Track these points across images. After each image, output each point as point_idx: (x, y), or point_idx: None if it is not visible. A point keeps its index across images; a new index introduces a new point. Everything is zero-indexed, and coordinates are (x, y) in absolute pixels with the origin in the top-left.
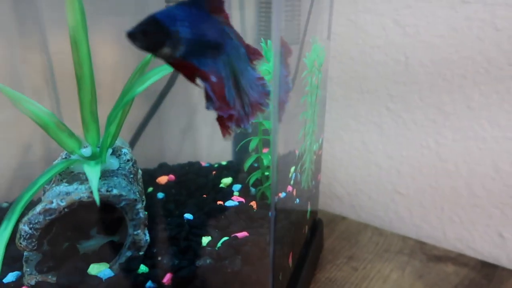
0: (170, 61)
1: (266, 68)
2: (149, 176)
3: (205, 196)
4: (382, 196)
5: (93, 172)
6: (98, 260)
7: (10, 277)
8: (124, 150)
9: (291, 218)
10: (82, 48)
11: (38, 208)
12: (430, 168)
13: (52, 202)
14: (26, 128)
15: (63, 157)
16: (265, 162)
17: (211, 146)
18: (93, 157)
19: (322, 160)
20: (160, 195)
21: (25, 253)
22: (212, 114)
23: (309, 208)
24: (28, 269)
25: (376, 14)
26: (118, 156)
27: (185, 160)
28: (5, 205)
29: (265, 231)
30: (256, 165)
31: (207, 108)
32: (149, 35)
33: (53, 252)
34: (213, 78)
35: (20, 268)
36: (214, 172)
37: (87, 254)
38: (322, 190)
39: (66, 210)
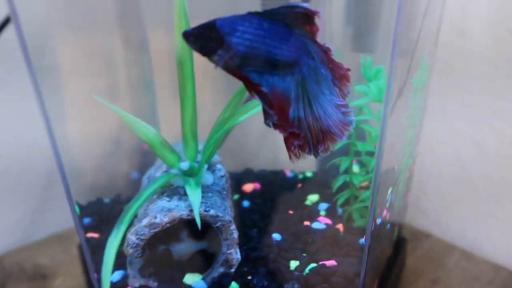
0: (223, 68)
1: (361, 89)
2: (235, 181)
3: (291, 212)
4: (475, 218)
5: (195, 195)
6: (190, 269)
7: (116, 275)
8: (218, 166)
9: (382, 244)
10: (187, 69)
11: (144, 221)
12: None
13: (156, 217)
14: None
15: (164, 170)
16: (356, 182)
17: None
18: (190, 171)
19: None
20: (246, 203)
21: (128, 257)
22: None
23: (397, 227)
24: (132, 272)
25: (488, 23)
26: (213, 172)
27: (267, 164)
28: (107, 200)
29: (353, 260)
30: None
31: (266, 123)
32: (202, 39)
33: (152, 256)
34: (269, 95)
35: (121, 267)
36: (299, 185)
37: (180, 261)
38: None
39: (168, 225)
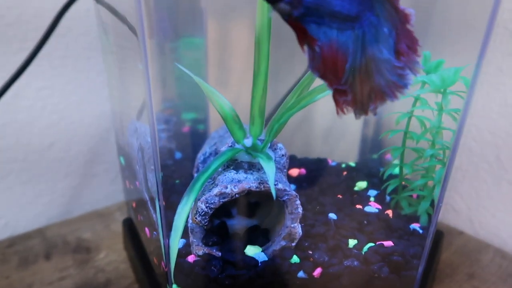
0: (285, 18)
1: (421, 80)
2: None
3: (340, 196)
4: (510, 217)
5: (269, 167)
6: (248, 242)
7: (179, 243)
8: (279, 145)
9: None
10: (263, 48)
11: (215, 190)
12: None
13: (226, 187)
14: None
15: (229, 145)
16: (408, 171)
17: (334, 142)
18: (253, 148)
19: None
20: (292, 186)
21: (190, 225)
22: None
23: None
24: (195, 240)
25: None
26: (274, 150)
27: (308, 154)
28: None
29: (406, 243)
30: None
31: (311, 70)
32: None
33: (211, 228)
34: (318, 49)
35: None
36: (344, 173)
37: (237, 233)
38: None
39: (237, 195)
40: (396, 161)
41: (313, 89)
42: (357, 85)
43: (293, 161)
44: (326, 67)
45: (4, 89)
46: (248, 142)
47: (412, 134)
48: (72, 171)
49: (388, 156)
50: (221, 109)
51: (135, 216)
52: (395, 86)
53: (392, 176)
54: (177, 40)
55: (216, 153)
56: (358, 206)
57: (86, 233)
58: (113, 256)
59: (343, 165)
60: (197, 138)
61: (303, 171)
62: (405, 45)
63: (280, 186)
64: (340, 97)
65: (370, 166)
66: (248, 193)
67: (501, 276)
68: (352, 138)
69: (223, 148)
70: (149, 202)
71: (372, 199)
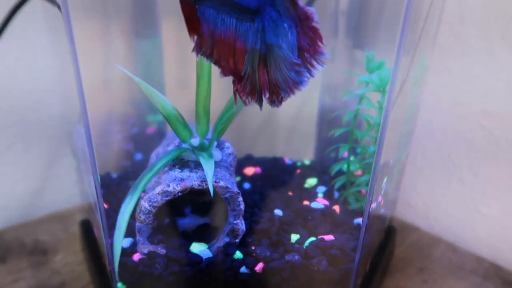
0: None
1: (364, 80)
2: (236, 165)
3: (290, 193)
4: (461, 213)
5: (208, 165)
6: (195, 239)
7: (125, 242)
8: (226, 144)
9: (375, 227)
10: None
11: (158, 189)
12: None
13: (169, 186)
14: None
15: (176, 144)
16: (352, 168)
17: (292, 142)
18: (201, 148)
19: None
20: (247, 185)
21: (137, 224)
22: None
23: (388, 216)
24: (141, 239)
25: (482, 27)
26: (221, 149)
27: (265, 153)
28: (114, 175)
29: (348, 237)
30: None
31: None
32: None
33: (159, 226)
34: (208, 35)
35: (129, 235)
36: (298, 171)
37: (186, 232)
38: None
39: (179, 193)
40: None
41: None
42: (256, 77)
43: (250, 160)
44: (221, 54)
45: None
46: (195, 141)
47: (357, 132)
48: (32, 173)
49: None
50: (163, 109)
51: (91, 218)
52: (291, 82)
53: (342, 173)
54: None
55: None
56: (306, 202)
57: (44, 236)
58: (70, 258)
59: (299, 163)
60: (162, 140)
61: (258, 170)
62: (306, 43)
63: (221, 183)
64: (240, 88)
65: (325, 165)
66: (199, 192)
67: (451, 269)
68: (309, 137)
69: (170, 148)
70: (93, 204)
71: (320, 195)
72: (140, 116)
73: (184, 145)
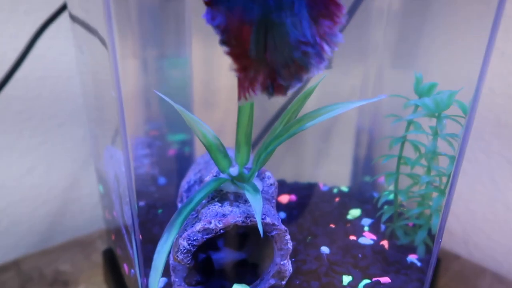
0: None
1: (415, 103)
2: None
3: (333, 226)
4: (505, 239)
5: (256, 202)
6: (235, 279)
7: (160, 283)
8: (268, 174)
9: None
10: None
11: (198, 226)
12: None
13: (210, 222)
14: None
15: (214, 174)
16: (403, 199)
17: (325, 165)
18: (240, 178)
19: None
20: (282, 215)
21: (172, 263)
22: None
23: None
24: (177, 279)
25: None
26: (262, 179)
27: (295, 177)
28: (141, 204)
29: (403, 278)
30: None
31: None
32: None
33: (195, 265)
34: (224, 17)
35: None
36: (337, 199)
37: (223, 271)
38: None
39: (221, 231)
40: (391, 188)
41: (301, 116)
42: (261, 60)
43: (283, 187)
44: (231, 30)
45: None
46: (234, 171)
47: (406, 160)
48: (52, 197)
49: (381, 179)
50: (204, 138)
51: (115, 248)
52: (294, 66)
53: (386, 203)
54: (162, 59)
55: (201, 181)
56: (352, 237)
57: (64, 265)
58: None
59: (335, 190)
60: (183, 161)
61: (293, 197)
62: (319, 15)
63: (268, 220)
64: (243, 75)
65: (363, 191)
66: (240, 227)
67: None
68: (344, 161)
69: (208, 178)
70: (125, 236)
71: (366, 228)
72: (161, 137)
73: (223, 175)
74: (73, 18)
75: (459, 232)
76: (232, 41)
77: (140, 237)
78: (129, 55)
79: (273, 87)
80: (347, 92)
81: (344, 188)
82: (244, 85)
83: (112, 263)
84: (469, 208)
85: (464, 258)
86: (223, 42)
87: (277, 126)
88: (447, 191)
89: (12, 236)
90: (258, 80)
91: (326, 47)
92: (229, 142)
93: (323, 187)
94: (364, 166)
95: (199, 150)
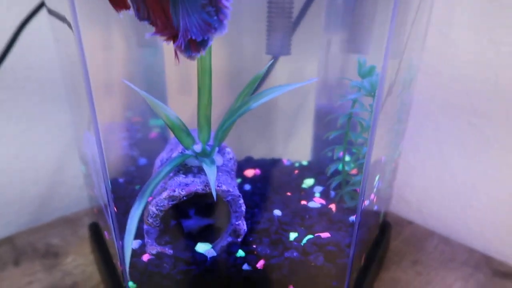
0: None
1: (355, 85)
2: (237, 168)
3: (289, 194)
4: (453, 207)
5: (211, 171)
6: (200, 239)
7: (135, 244)
8: (227, 149)
9: (369, 223)
10: (205, 61)
11: (164, 194)
12: (509, 187)
13: (174, 191)
14: None
15: (180, 151)
16: (347, 169)
17: (290, 143)
18: (203, 154)
19: None
20: (247, 186)
21: (145, 227)
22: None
23: (382, 212)
24: (149, 241)
25: (470, 30)
26: (222, 155)
27: (264, 155)
28: (121, 180)
29: (344, 234)
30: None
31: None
32: None
33: (165, 228)
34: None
35: (138, 237)
36: (296, 171)
37: (191, 233)
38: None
39: (184, 198)
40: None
41: (248, 98)
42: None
43: (250, 162)
44: (154, 12)
45: None
46: (197, 148)
47: (350, 134)
48: (40, 179)
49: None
50: (167, 119)
51: (98, 221)
52: (204, 24)
53: (337, 173)
54: (136, 49)
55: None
56: (303, 202)
57: (54, 239)
58: (80, 260)
59: (297, 164)
60: (165, 144)
61: (258, 171)
62: None
63: (223, 187)
64: (178, 43)
65: (322, 165)
66: (202, 195)
67: (443, 261)
68: (305, 138)
69: (174, 154)
70: (104, 208)
71: (317, 195)
72: (143, 121)
73: (188, 152)
74: (50, 11)
75: (413, 201)
76: (157, 20)
77: (115, 209)
78: (103, 46)
79: (190, 45)
80: (307, 76)
81: (304, 162)
82: (180, 52)
83: (96, 235)
84: (422, 180)
85: (416, 224)
86: (151, 23)
87: (232, 107)
88: (366, 156)
89: (4, 216)
90: (179, 42)
91: (224, 3)
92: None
93: (286, 162)
94: (323, 141)
95: None
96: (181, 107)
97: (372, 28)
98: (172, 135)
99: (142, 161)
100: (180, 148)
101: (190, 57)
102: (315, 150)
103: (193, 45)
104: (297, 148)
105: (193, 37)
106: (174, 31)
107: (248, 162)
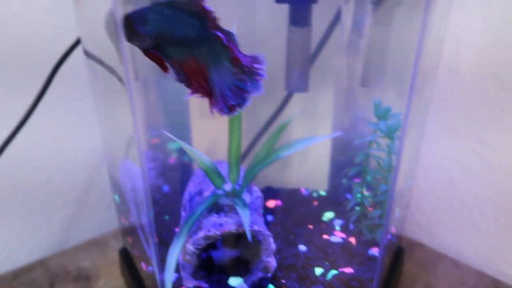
0: (141, 50)
1: (373, 127)
2: None
3: (311, 227)
4: (462, 230)
5: (245, 214)
6: (232, 273)
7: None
8: (254, 188)
9: (387, 254)
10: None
11: (201, 234)
12: None
13: (210, 231)
14: None
15: (212, 191)
16: (366, 203)
17: (307, 171)
18: (233, 193)
19: None
20: (270, 218)
21: (181, 261)
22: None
23: (398, 236)
24: (185, 275)
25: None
26: (250, 193)
27: (283, 181)
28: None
29: (365, 268)
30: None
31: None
32: (124, 29)
33: (199, 263)
34: (178, 65)
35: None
36: (315, 203)
37: (221, 266)
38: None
39: (219, 237)
40: (358, 194)
41: (279, 147)
42: (214, 88)
43: (270, 192)
44: (191, 77)
45: (12, 136)
46: (227, 187)
47: (368, 171)
48: (68, 202)
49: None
50: (202, 164)
51: (131, 249)
52: (236, 89)
53: (356, 205)
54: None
55: (200, 192)
56: (325, 236)
57: (84, 262)
58: (111, 283)
59: (315, 194)
60: (183, 170)
61: (279, 202)
62: (241, 55)
63: (255, 227)
64: (213, 102)
65: (339, 195)
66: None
67: (454, 284)
68: (322, 167)
69: (206, 193)
70: (143, 239)
71: (337, 228)
72: (161, 144)
73: (219, 192)
74: (87, 54)
75: (424, 224)
76: (193, 82)
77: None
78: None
79: (227, 108)
80: (321, 110)
81: (322, 192)
82: (215, 111)
83: (127, 261)
84: (432, 204)
85: (428, 247)
86: (187, 86)
87: (260, 152)
88: (389, 196)
89: (35, 239)
90: (214, 103)
91: (256, 66)
92: (222, 149)
93: (304, 191)
94: (340, 170)
95: None
96: (205, 131)
97: (385, 63)
98: (195, 167)
99: (166, 188)
100: (211, 187)
101: (227, 115)
102: (332, 179)
103: (231, 107)
104: (314, 176)
105: (231, 102)
106: (209, 90)
107: (269, 192)
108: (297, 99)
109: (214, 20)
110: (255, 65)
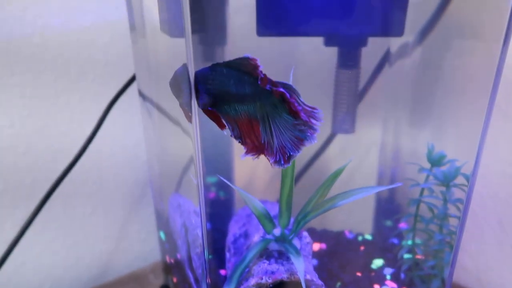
0: (201, 107)
1: (428, 173)
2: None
3: (359, 274)
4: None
5: (299, 263)
6: None
7: None
8: (304, 234)
9: None
10: None
11: (252, 281)
12: None
13: (262, 278)
14: None
15: (261, 236)
16: (419, 252)
17: (350, 212)
18: (282, 238)
19: None
20: (315, 261)
21: None
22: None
23: None
24: None
25: None
26: (299, 238)
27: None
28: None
29: None
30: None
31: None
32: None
33: None
34: (234, 123)
35: None
36: (362, 247)
37: None
38: None
39: (270, 285)
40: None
41: (334, 196)
42: (270, 141)
43: (313, 234)
44: (245, 134)
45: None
46: (277, 232)
47: (421, 219)
48: (108, 236)
49: (402, 225)
50: (255, 209)
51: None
52: (297, 140)
53: (406, 251)
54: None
55: (246, 235)
56: (376, 286)
57: None
58: None
59: (360, 238)
60: (222, 206)
61: (323, 246)
62: (299, 109)
63: (308, 277)
64: (269, 156)
65: (385, 237)
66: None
67: None
68: (367, 209)
69: (256, 238)
70: (192, 279)
71: (388, 277)
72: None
73: (268, 237)
74: (143, 96)
75: (472, 269)
76: (247, 140)
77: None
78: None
79: (284, 159)
80: (367, 149)
81: (368, 236)
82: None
83: None
84: (480, 248)
85: None
86: (241, 143)
87: (313, 198)
88: (454, 246)
89: (76, 272)
90: (271, 156)
91: (313, 121)
92: (260, 184)
93: (348, 234)
94: (385, 212)
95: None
96: (246, 168)
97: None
98: (238, 203)
99: (207, 225)
100: (258, 230)
101: (283, 166)
102: (376, 221)
103: (289, 158)
104: (357, 218)
105: (290, 153)
106: (261, 147)
107: (312, 234)
108: (340, 139)
109: (265, 78)
110: (312, 121)
